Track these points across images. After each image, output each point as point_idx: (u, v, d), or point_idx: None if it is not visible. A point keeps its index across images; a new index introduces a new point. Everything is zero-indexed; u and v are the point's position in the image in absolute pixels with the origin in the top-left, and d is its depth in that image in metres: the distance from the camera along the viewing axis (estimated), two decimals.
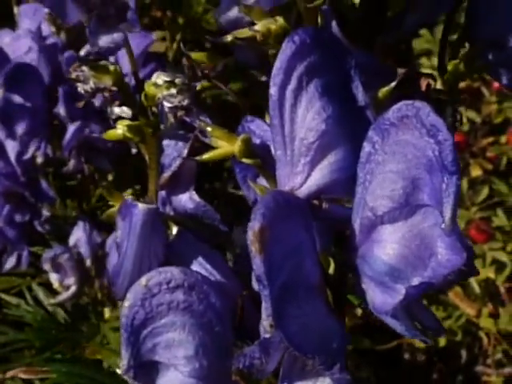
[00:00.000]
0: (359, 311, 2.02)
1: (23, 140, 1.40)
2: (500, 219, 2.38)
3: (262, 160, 0.68)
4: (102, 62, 0.77)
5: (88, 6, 0.72)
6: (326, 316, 0.63)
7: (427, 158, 0.59)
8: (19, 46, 1.39)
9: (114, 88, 0.74)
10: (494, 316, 2.35)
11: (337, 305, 0.67)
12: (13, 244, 1.52)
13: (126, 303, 0.67)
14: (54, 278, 1.50)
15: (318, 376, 0.65)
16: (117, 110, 0.74)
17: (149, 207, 0.70)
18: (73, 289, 1.50)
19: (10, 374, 1.21)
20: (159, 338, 0.68)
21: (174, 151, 0.75)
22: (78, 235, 1.49)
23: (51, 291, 1.54)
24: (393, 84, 0.66)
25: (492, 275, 2.31)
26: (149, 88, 0.72)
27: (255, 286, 0.66)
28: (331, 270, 0.70)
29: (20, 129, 1.39)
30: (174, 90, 0.70)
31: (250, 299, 0.70)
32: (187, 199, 0.75)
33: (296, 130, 0.63)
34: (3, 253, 1.55)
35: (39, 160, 1.43)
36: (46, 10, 1.42)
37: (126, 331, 0.68)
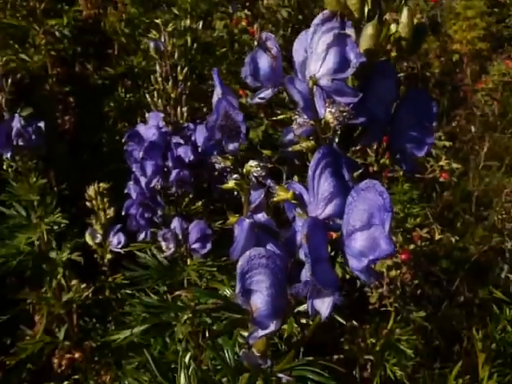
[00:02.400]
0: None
1: (150, 177, 1.46)
2: None
3: (299, 201, 0.73)
4: (227, 155, 0.80)
5: (223, 131, 0.79)
6: (332, 271, 0.68)
7: (378, 204, 0.64)
8: (149, 132, 1.44)
9: (232, 167, 0.82)
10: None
11: (333, 267, 0.71)
12: (143, 227, 1.57)
13: (239, 263, 0.70)
14: (163, 244, 1.54)
15: (327, 296, 0.67)
16: (234, 176, 0.78)
17: (250, 221, 0.75)
18: (172, 250, 1.54)
19: (177, 292, 1.24)
20: (253, 279, 0.71)
21: (256, 195, 0.79)
22: (175, 224, 1.53)
23: (161, 251, 1.59)
24: (359, 171, 0.72)
25: None
26: (246, 167, 0.77)
27: (301, 257, 0.70)
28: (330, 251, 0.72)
29: (149, 171, 1.45)
30: (258, 168, 0.76)
31: (294, 263, 0.74)
32: (261, 216, 0.79)
33: (319, 190, 0.68)
34: (137, 232, 1.61)
35: (158, 187, 1.49)
36: (162, 115, 1.47)
37: (239, 275, 0.70)
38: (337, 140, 0.74)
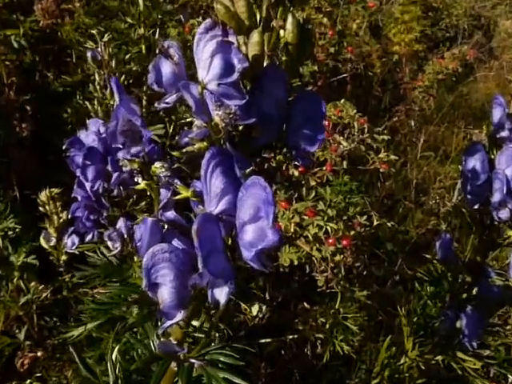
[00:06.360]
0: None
1: (93, 181, 1.41)
2: (321, 206, 2.46)
3: (200, 198, 0.71)
4: (133, 158, 0.80)
5: (126, 135, 0.77)
6: (225, 262, 0.67)
7: (263, 198, 0.63)
8: (89, 138, 1.40)
9: (139, 169, 0.80)
10: (319, 250, 2.42)
11: (232, 257, 0.70)
12: (89, 229, 1.51)
13: (144, 259, 0.69)
14: (109, 243, 1.48)
15: (223, 286, 0.66)
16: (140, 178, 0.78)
17: (153, 219, 0.73)
18: (118, 249, 1.49)
19: (95, 290, 1.22)
20: (158, 273, 0.69)
21: (165, 193, 0.78)
22: (120, 224, 1.47)
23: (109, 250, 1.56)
24: (250, 169, 0.69)
25: (317, 231, 2.38)
26: (154, 168, 0.75)
27: (196, 251, 0.66)
28: (229, 243, 0.70)
29: (90, 176, 1.40)
30: (163, 169, 0.75)
31: (195, 256, 0.68)
32: (170, 214, 0.77)
33: (211, 188, 0.67)
34: (85, 233, 1.56)
35: (100, 190, 1.43)
36: (101, 121, 1.42)
37: (145, 270, 0.69)
38: (237, 140, 0.72)
